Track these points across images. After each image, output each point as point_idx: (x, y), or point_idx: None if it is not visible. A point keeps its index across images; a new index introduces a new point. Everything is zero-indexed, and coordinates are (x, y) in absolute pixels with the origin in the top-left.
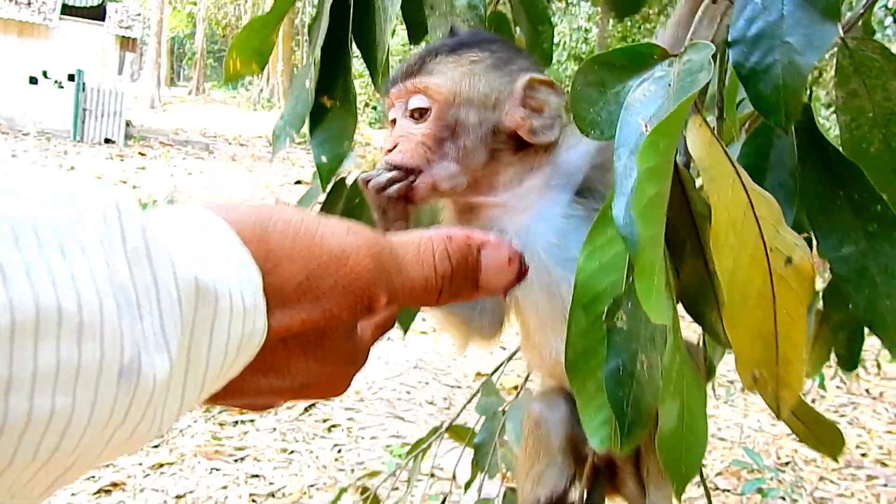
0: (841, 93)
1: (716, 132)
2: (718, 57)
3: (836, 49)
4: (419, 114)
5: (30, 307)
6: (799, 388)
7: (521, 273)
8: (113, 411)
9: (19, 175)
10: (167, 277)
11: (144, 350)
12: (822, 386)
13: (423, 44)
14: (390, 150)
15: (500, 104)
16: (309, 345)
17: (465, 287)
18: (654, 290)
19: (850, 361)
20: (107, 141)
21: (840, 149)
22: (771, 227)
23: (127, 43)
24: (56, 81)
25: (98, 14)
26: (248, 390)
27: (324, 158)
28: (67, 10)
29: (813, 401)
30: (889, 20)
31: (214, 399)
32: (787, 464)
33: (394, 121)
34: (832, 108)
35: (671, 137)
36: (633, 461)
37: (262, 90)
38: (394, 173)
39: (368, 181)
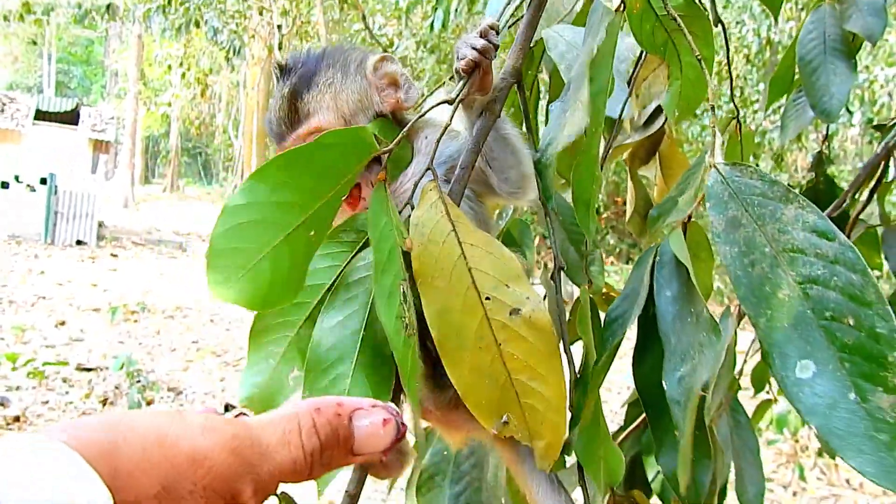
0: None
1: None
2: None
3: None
4: None
5: None
6: (556, 442)
7: (399, 434)
8: None
9: None
10: None
11: None
12: (802, 477)
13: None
14: None
15: (370, 98)
16: None
17: (337, 457)
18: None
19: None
20: (78, 243)
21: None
22: (491, 279)
23: (100, 145)
24: (28, 185)
25: (72, 118)
26: None
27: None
28: (41, 116)
29: (794, 493)
30: None
31: None
32: None
33: None
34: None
35: (267, 183)
36: None
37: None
38: None
39: None
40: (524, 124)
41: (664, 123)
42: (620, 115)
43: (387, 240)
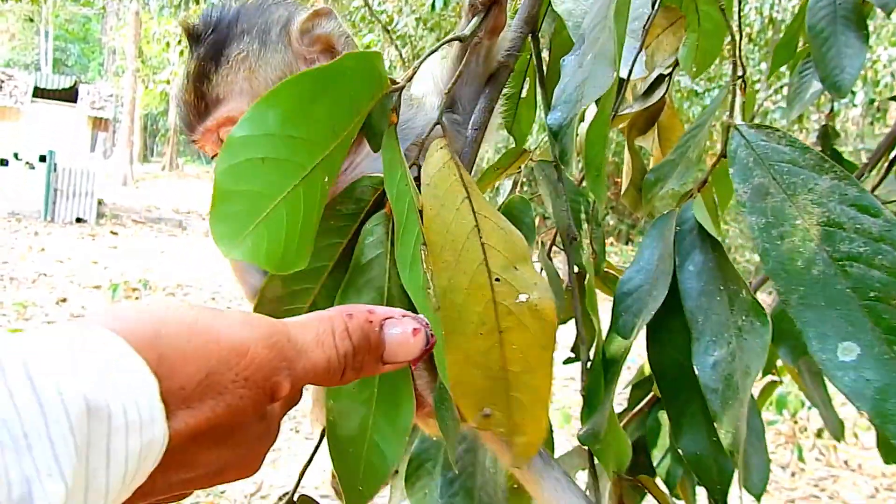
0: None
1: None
2: None
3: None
4: None
5: None
6: (536, 440)
7: (429, 344)
8: None
9: None
10: (54, 404)
11: (36, 482)
12: (800, 458)
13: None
14: None
15: (297, 70)
16: (219, 436)
17: (368, 363)
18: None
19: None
20: (78, 220)
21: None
22: (503, 257)
23: (99, 123)
24: (27, 163)
25: (70, 96)
26: (159, 489)
27: None
28: (39, 93)
29: (793, 474)
30: None
31: None
32: None
33: (216, 155)
34: None
35: (279, 108)
36: None
37: None
38: None
39: None
40: (538, 79)
41: (665, 93)
42: (629, 76)
43: (404, 197)
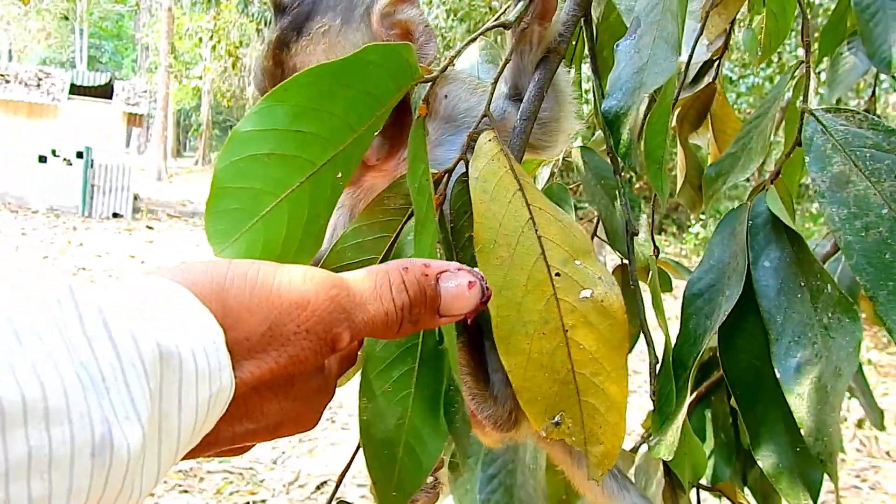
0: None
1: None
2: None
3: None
4: None
5: None
6: (614, 449)
7: (484, 297)
8: (90, 487)
9: None
10: (129, 349)
11: (115, 424)
12: (841, 449)
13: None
14: None
15: None
16: (280, 388)
17: (425, 316)
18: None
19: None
20: (115, 215)
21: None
22: (562, 251)
23: (134, 119)
24: (65, 159)
25: (106, 92)
26: (224, 439)
27: None
28: (76, 90)
29: None
30: None
31: (191, 454)
32: None
33: None
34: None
35: (288, 105)
36: None
37: None
38: None
39: None
40: (591, 64)
41: (714, 79)
42: (689, 61)
43: (424, 192)
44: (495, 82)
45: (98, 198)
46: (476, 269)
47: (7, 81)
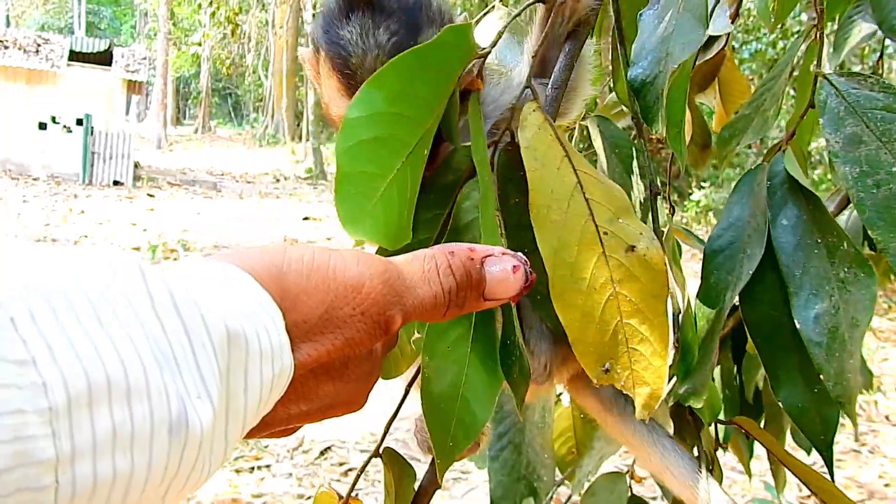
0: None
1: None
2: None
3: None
4: None
5: (81, 381)
6: (658, 390)
7: (528, 281)
8: (168, 463)
9: (37, 254)
10: (198, 328)
11: (188, 401)
12: (868, 388)
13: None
14: None
15: None
16: (334, 370)
17: (470, 299)
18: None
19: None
20: (116, 183)
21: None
22: (607, 211)
23: (133, 86)
24: (65, 126)
25: (105, 59)
26: (279, 420)
27: None
28: (75, 57)
29: None
30: None
31: (248, 435)
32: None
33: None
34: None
35: (385, 90)
36: None
37: (266, 127)
38: None
39: None
40: (616, 34)
41: (724, 46)
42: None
43: (485, 164)
44: (535, 55)
45: (98, 165)
46: (519, 253)
47: (6, 47)
